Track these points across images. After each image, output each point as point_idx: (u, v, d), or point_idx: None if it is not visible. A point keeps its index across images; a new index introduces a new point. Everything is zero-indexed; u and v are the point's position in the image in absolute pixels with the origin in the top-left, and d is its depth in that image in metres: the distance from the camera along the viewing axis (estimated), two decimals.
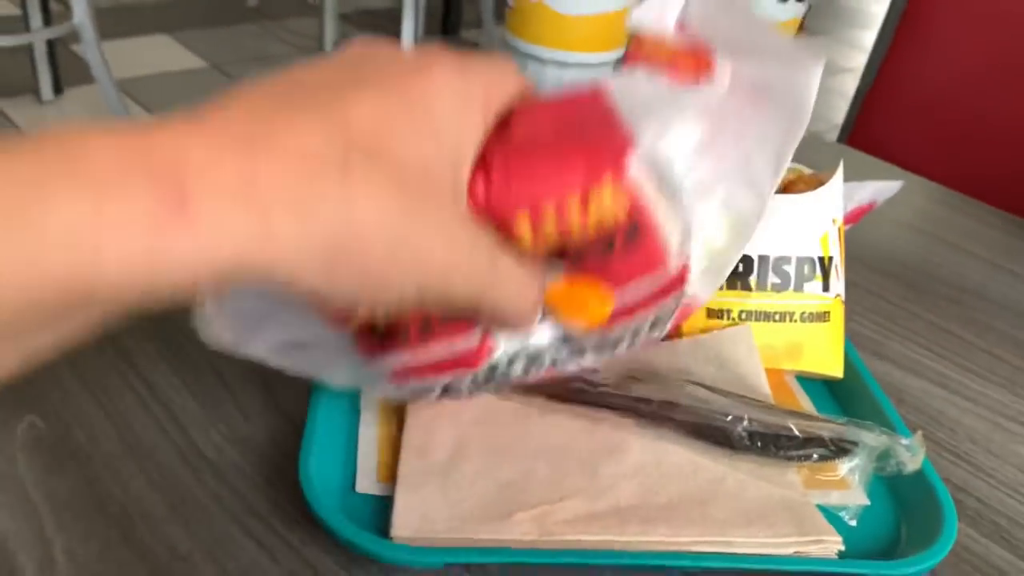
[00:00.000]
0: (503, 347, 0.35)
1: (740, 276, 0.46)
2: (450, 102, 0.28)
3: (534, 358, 0.36)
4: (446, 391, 0.36)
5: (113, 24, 2.74)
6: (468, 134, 0.29)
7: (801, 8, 0.70)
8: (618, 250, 0.32)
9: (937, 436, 0.48)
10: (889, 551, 0.39)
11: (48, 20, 2.23)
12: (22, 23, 2.20)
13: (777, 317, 0.46)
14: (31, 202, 0.19)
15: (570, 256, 0.32)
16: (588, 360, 0.36)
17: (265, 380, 0.44)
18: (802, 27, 0.73)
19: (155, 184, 0.20)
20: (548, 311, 0.34)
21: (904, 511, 0.41)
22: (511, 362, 0.36)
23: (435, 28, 3.12)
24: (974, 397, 0.51)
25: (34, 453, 0.40)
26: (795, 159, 0.52)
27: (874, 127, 1.21)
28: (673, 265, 0.33)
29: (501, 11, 0.77)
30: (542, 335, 0.35)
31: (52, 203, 0.19)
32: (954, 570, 0.39)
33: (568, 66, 0.68)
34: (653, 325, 0.35)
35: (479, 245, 0.29)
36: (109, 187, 0.20)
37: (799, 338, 0.46)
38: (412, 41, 2.34)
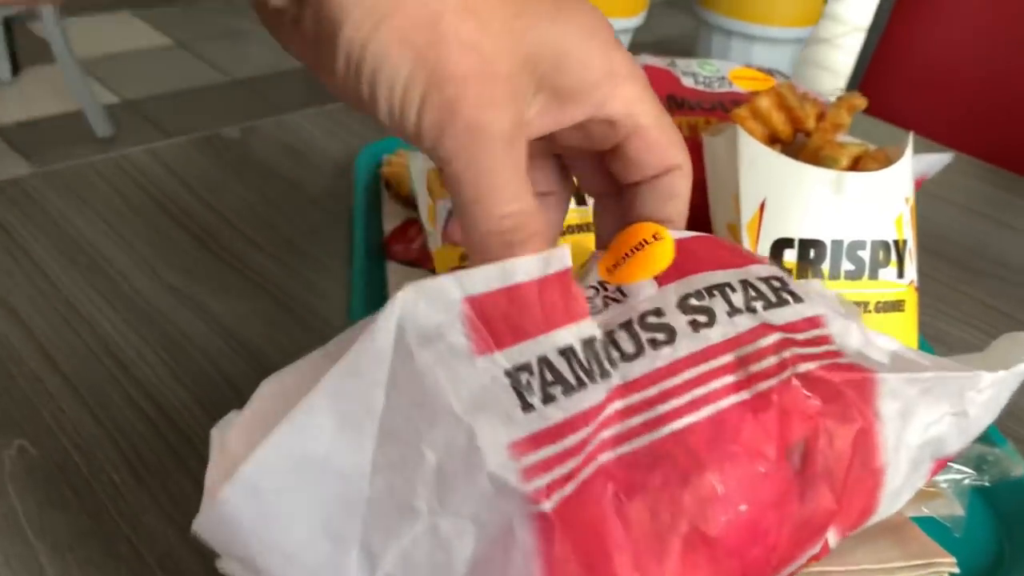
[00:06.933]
0: None
1: (812, 264, 0.41)
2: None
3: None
4: None
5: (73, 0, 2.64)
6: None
7: None
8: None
9: (1019, 433, 0.44)
10: (992, 571, 0.36)
11: None
12: None
13: None
14: None
15: None
16: None
17: None
18: None
19: None
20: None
21: (1004, 524, 0.37)
22: None
23: None
24: None
25: (27, 484, 0.34)
26: None
27: (875, 99, 1.18)
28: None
29: None
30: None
31: None
32: None
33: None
34: None
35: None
36: None
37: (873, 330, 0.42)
38: None
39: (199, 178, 0.56)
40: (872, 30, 1.18)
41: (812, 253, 0.41)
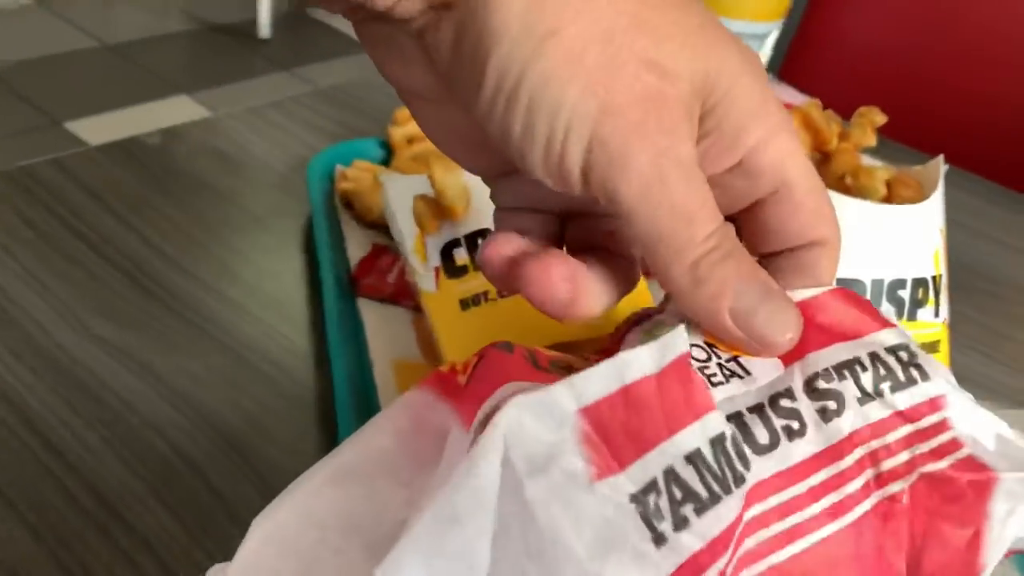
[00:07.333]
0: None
1: None
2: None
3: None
4: None
5: None
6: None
7: None
8: None
9: None
10: None
11: None
12: None
13: None
14: None
15: None
16: None
17: None
18: None
19: None
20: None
21: None
22: None
23: None
24: None
25: None
26: None
27: (796, 83, 1.17)
28: None
29: None
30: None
31: None
32: None
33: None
34: None
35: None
36: None
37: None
38: None
39: (118, 195, 0.47)
40: (793, 14, 1.16)
41: None
